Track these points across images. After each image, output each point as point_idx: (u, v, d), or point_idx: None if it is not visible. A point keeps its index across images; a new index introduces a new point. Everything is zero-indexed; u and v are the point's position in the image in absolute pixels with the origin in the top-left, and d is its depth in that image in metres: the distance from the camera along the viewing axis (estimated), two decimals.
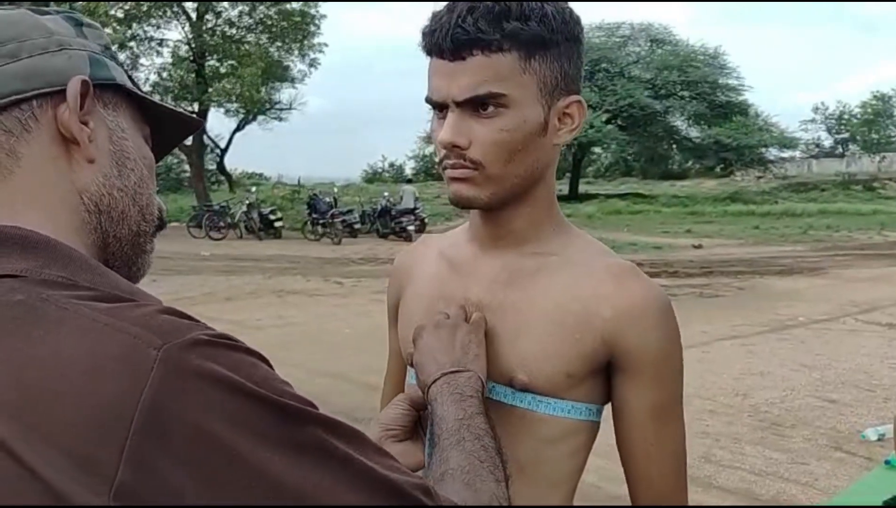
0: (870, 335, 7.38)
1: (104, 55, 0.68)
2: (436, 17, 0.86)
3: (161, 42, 24.77)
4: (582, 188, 33.43)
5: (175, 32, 30.17)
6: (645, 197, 30.21)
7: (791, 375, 5.90)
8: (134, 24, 23.27)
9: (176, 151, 27.53)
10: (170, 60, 24.92)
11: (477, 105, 0.85)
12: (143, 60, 24.80)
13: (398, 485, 0.56)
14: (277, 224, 18.26)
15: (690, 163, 40.26)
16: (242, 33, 24.58)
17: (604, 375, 0.91)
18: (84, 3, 19.07)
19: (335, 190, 20.43)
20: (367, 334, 6.55)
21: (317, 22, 24.95)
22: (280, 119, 30.38)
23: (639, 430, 0.90)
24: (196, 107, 23.09)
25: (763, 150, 34.22)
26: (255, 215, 18.17)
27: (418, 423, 0.92)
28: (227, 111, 26.59)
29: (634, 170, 44.21)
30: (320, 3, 24.81)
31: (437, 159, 0.92)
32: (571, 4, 0.89)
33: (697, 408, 4.88)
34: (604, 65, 32.10)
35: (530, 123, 0.86)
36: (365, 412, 3.96)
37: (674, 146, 37.49)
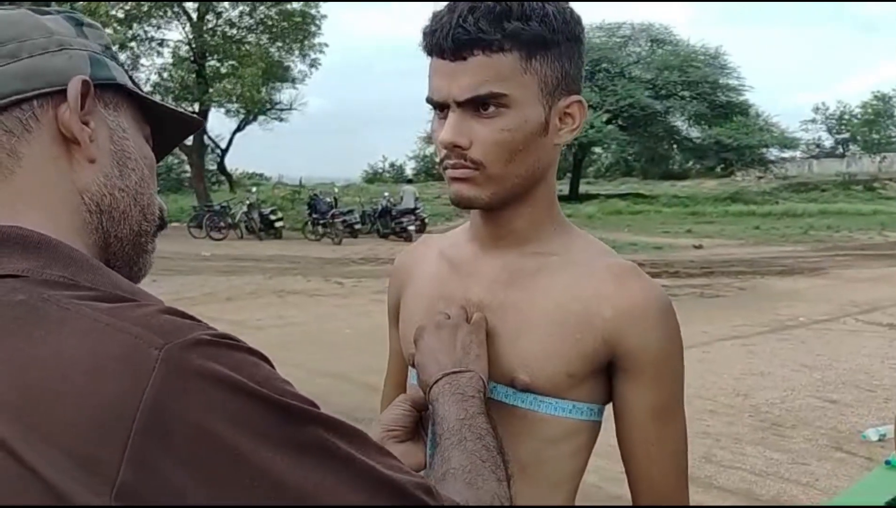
0: (870, 336, 7.38)
1: (105, 55, 0.68)
2: (436, 16, 0.86)
3: (162, 42, 24.80)
4: (582, 188, 33.43)
5: (176, 33, 30.24)
6: (645, 197, 30.20)
7: (792, 375, 5.90)
8: (134, 25, 23.28)
9: (176, 151, 27.52)
10: (170, 61, 24.94)
11: (478, 105, 0.85)
12: (143, 61, 24.85)
13: (400, 485, 0.56)
14: (278, 224, 18.26)
15: (691, 163, 40.26)
16: (243, 34, 24.59)
17: (605, 375, 0.91)
18: (85, 3, 19.06)
19: (335, 190, 20.45)
20: (367, 334, 6.55)
21: (317, 22, 24.97)
22: (280, 119, 30.40)
23: (640, 430, 0.90)
24: (197, 107, 23.08)
25: (764, 150, 34.22)
26: (255, 215, 18.17)
27: (420, 424, 0.92)
28: (227, 111, 26.60)
29: (635, 170, 44.20)
30: (321, 3, 24.84)
31: (437, 159, 0.92)
32: (572, 4, 0.89)
33: (698, 408, 4.88)
34: (604, 65, 32.09)
35: (531, 122, 0.86)
36: (365, 412, 3.96)
37: (674, 146, 37.48)
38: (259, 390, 0.52)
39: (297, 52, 25.47)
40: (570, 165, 32.69)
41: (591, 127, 28.56)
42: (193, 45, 24.08)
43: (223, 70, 24.59)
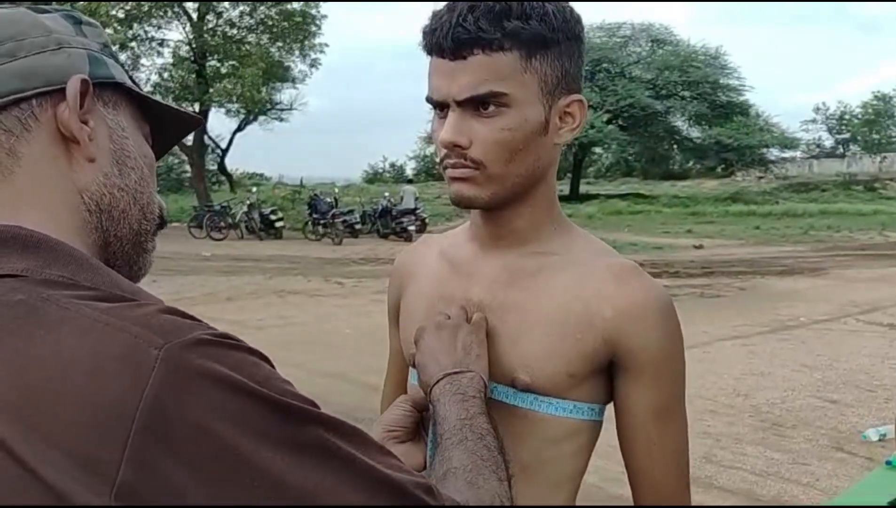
0: (871, 336, 7.38)
1: (103, 53, 0.68)
2: (436, 16, 0.85)
3: (162, 42, 24.81)
4: (583, 189, 33.43)
5: (176, 33, 30.23)
6: (646, 197, 30.19)
7: (792, 375, 5.90)
8: (135, 25, 23.28)
9: (177, 151, 27.54)
10: (171, 61, 24.94)
11: (478, 104, 0.84)
12: (143, 61, 24.86)
13: (400, 484, 0.56)
14: (278, 224, 18.27)
15: (691, 163, 40.25)
16: (243, 34, 24.59)
17: (606, 375, 0.91)
18: (85, 3, 19.06)
19: (336, 190, 20.46)
20: (367, 334, 6.55)
21: (318, 22, 24.98)
22: (281, 119, 30.40)
23: (641, 430, 0.89)
24: (197, 107, 23.09)
25: (764, 150, 34.21)
26: (255, 215, 18.18)
27: (420, 424, 0.92)
28: (227, 112, 26.60)
29: (635, 170, 44.19)
30: (321, 3, 24.84)
31: (438, 159, 0.91)
32: (572, 3, 0.89)
33: (698, 408, 4.88)
34: (605, 65, 32.09)
35: (531, 122, 0.86)
36: (365, 411, 3.96)
37: (675, 146, 37.47)
38: (259, 389, 0.51)
39: (297, 53, 25.49)
40: (570, 165, 32.68)
41: (592, 127, 28.55)
42: (194, 46, 24.09)
43: (223, 70, 24.60)
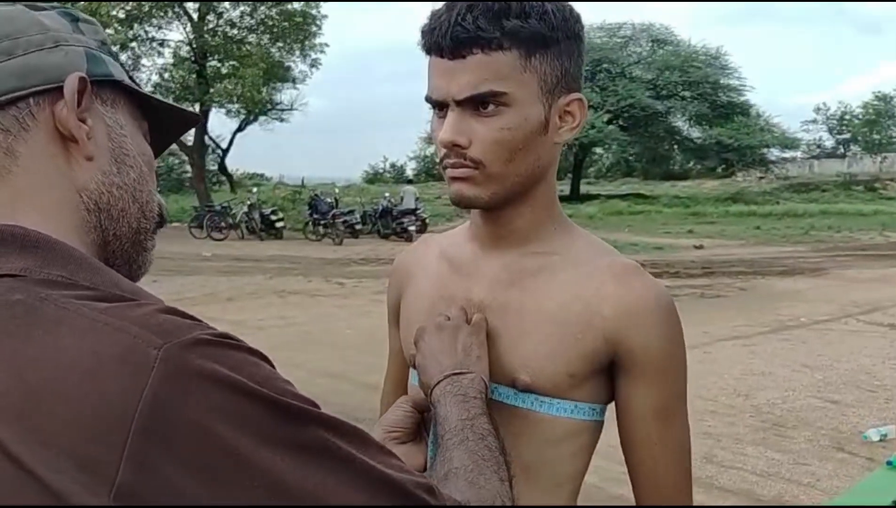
0: (871, 336, 7.37)
1: (101, 51, 0.67)
2: (435, 15, 0.85)
3: (162, 43, 24.81)
4: (583, 189, 33.42)
5: (176, 33, 30.29)
6: (646, 198, 30.18)
7: (792, 375, 5.89)
8: (135, 25, 23.28)
9: (177, 151, 27.56)
10: (171, 61, 24.94)
11: (477, 104, 0.84)
12: (144, 61, 24.86)
13: (401, 484, 0.56)
14: (279, 225, 18.27)
15: (692, 163, 40.25)
16: (244, 34, 24.59)
17: (607, 374, 0.91)
18: (86, 3, 19.07)
19: (336, 191, 20.46)
20: (368, 334, 6.55)
21: (318, 22, 24.97)
22: (281, 120, 30.40)
23: (643, 430, 0.89)
24: (197, 107, 23.07)
25: (764, 150, 34.18)
26: (256, 215, 18.18)
27: (421, 425, 0.92)
28: (228, 112, 26.60)
29: (636, 170, 44.19)
30: (321, 3, 24.84)
31: (437, 159, 0.91)
32: (571, 3, 0.88)
33: (699, 409, 4.87)
34: (605, 65, 32.07)
35: (531, 121, 0.86)
36: (365, 412, 3.96)
37: (675, 147, 37.46)
38: (259, 390, 0.51)
39: (297, 53, 25.47)
40: (570, 165, 32.67)
41: (592, 127, 28.54)
42: (194, 46, 24.09)
43: (224, 70, 24.60)
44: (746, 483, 3.87)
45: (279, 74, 25.40)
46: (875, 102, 45.27)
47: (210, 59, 24.74)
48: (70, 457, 0.47)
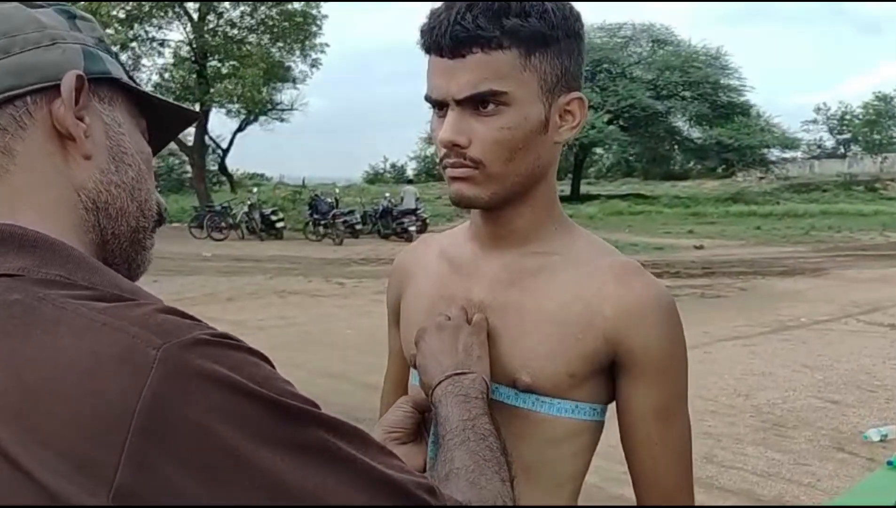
0: (872, 336, 7.37)
1: (98, 48, 0.67)
2: (434, 14, 0.84)
3: (163, 43, 24.81)
4: (583, 189, 33.41)
5: (177, 33, 30.30)
6: (646, 198, 30.18)
7: (793, 375, 5.89)
8: (136, 25, 23.28)
9: (177, 151, 27.56)
10: (171, 61, 24.95)
11: (477, 103, 0.84)
12: (144, 61, 24.86)
13: (402, 485, 0.55)
14: (279, 225, 18.27)
15: (692, 164, 40.24)
16: (244, 34, 24.59)
17: (607, 374, 0.91)
18: (86, 3, 19.07)
19: (336, 191, 20.46)
20: (368, 334, 6.55)
21: (318, 22, 24.97)
22: (281, 120, 30.40)
23: (643, 430, 0.89)
24: (198, 107, 23.05)
25: (765, 150, 34.17)
26: (256, 215, 18.18)
27: (422, 425, 0.92)
28: (228, 112, 26.60)
29: (636, 171, 44.18)
30: (322, 3, 24.84)
31: (437, 158, 0.91)
32: (571, 2, 0.88)
33: (699, 409, 4.87)
34: (606, 65, 32.07)
35: (531, 120, 0.85)
36: (366, 412, 3.96)
37: (675, 147, 37.46)
38: (259, 390, 0.51)
39: (298, 53, 25.47)
40: (571, 165, 32.67)
41: (593, 127, 28.54)
42: (194, 46, 24.09)
43: (224, 70, 24.60)
44: (747, 484, 3.87)
45: (279, 74, 25.40)
46: (875, 103, 45.27)
47: (210, 59, 24.75)
48: (68, 458, 0.47)
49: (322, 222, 17.49)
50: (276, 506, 0.50)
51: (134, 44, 23.72)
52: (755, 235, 19.25)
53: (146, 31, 24.12)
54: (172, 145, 26.22)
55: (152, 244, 0.70)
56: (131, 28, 23.08)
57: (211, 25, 24.36)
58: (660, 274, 10.87)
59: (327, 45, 26.08)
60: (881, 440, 4.40)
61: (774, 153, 35.85)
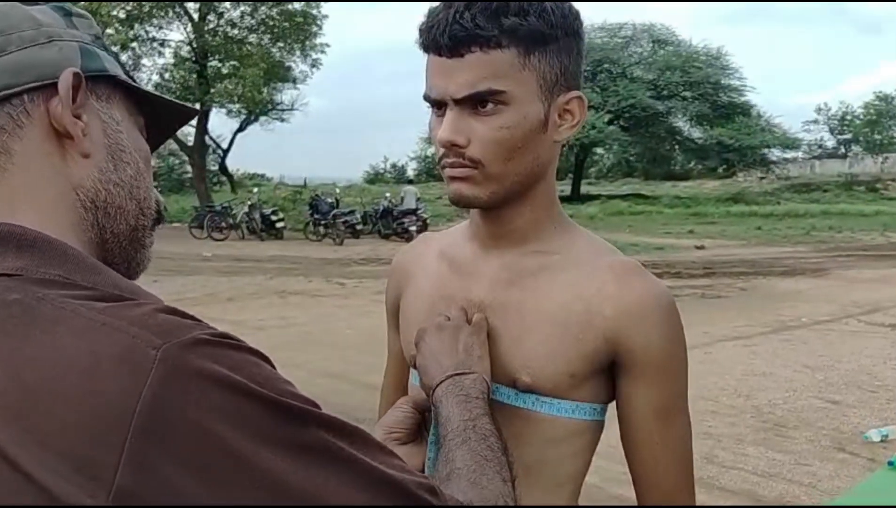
0: (872, 336, 7.36)
1: (95, 45, 0.67)
2: (433, 13, 0.84)
3: (163, 43, 24.84)
4: (584, 189, 33.42)
5: (177, 33, 30.31)
6: (647, 198, 30.19)
7: (794, 376, 5.89)
8: (136, 25, 23.29)
9: (178, 151, 27.56)
10: (172, 61, 24.98)
11: (476, 103, 0.83)
12: (144, 61, 24.91)
13: (403, 485, 0.55)
14: (279, 225, 18.27)
15: (693, 164, 40.25)
16: (244, 34, 24.61)
17: (607, 374, 0.91)
18: (86, 3, 19.07)
19: (337, 191, 20.47)
20: (368, 334, 6.55)
21: (318, 22, 24.99)
22: (282, 120, 30.45)
23: (644, 430, 0.89)
24: (198, 107, 23.03)
25: (766, 151, 34.18)
26: (256, 215, 18.18)
27: (422, 426, 0.92)
28: (228, 112, 26.64)
29: (636, 171, 44.19)
30: (322, 3, 24.84)
31: (436, 158, 0.91)
32: (571, 2, 0.88)
33: (700, 409, 4.87)
34: (606, 65, 32.08)
35: (530, 119, 0.85)
36: (366, 412, 3.95)
37: (676, 147, 37.47)
38: (259, 390, 0.51)
39: (298, 53, 25.49)
40: (571, 165, 32.68)
41: (593, 128, 28.56)
42: (195, 46, 24.10)
43: (224, 70, 24.62)
44: (748, 484, 3.86)
45: (280, 74, 25.42)
46: (876, 103, 45.30)
47: (211, 59, 24.76)
48: (68, 458, 0.47)
49: (322, 223, 17.50)
50: (276, 507, 0.50)
51: (134, 44, 23.73)
52: (756, 235, 19.24)
53: (146, 32, 24.14)
54: (173, 145, 26.24)
55: (152, 243, 0.70)
56: (131, 28, 23.08)
57: (211, 25, 24.37)
58: (660, 274, 10.85)
59: (328, 45, 26.14)
60: (882, 441, 4.40)
61: (775, 153, 35.89)
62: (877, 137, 44.86)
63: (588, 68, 29.46)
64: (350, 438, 0.55)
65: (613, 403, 0.93)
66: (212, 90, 23.56)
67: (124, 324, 0.51)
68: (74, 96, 0.61)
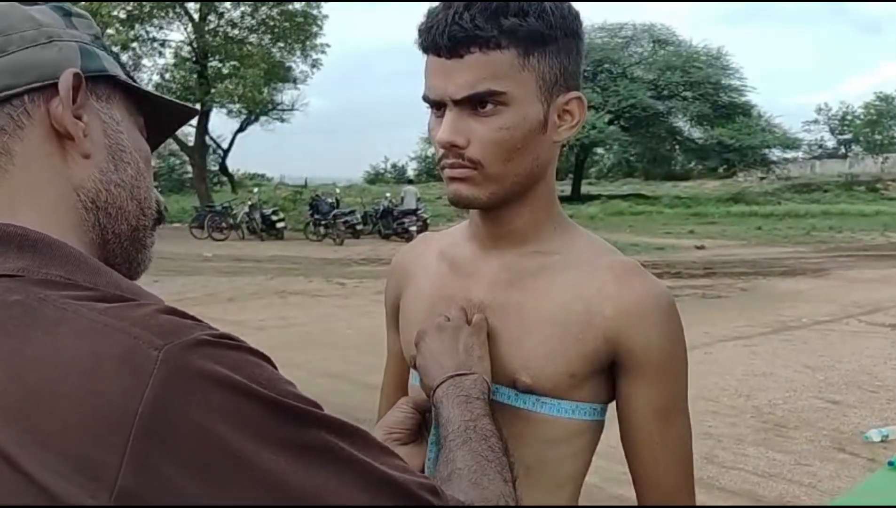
0: (873, 337, 7.36)
1: (95, 45, 0.66)
2: (432, 13, 0.84)
3: (163, 43, 24.85)
4: (584, 189, 33.42)
5: (177, 33, 30.30)
6: (647, 198, 30.18)
7: (794, 376, 5.89)
8: (136, 25, 23.29)
9: (178, 151, 27.55)
10: (172, 61, 24.99)
11: (475, 103, 0.83)
12: (145, 61, 24.93)
13: (404, 485, 0.55)
14: (279, 225, 18.27)
15: (693, 164, 40.25)
16: (245, 34, 24.62)
17: (607, 374, 0.91)
18: (87, 3, 19.07)
19: (337, 191, 20.47)
20: (368, 334, 6.54)
21: (319, 22, 24.99)
22: (282, 120, 30.46)
23: (644, 430, 0.89)
24: (198, 108, 23.04)
25: (766, 151, 34.19)
26: (257, 215, 18.18)
27: (422, 426, 0.92)
28: (229, 112, 26.65)
29: (637, 171, 44.18)
30: (322, 3, 24.85)
31: (435, 159, 0.91)
32: (571, 2, 0.88)
33: (700, 409, 4.87)
34: (606, 65, 32.09)
35: (530, 120, 0.85)
36: (366, 412, 3.95)
37: (676, 147, 37.47)
38: (261, 391, 0.51)
39: (298, 53, 25.50)
40: (571, 165, 32.68)
41: (594, 128, 28.56)
42: (195, 46, 24.11)
43: (225, 71, 24.62)
44: (748, 484, 3.86)
45: (280, 75, 25.43)
46: (876, 103, 45.30)
47: (211, 59, 24.77)
48: (69, 459, 0.47)
49: (323, 223, 17.50)
50: (278, 507, 0.50)
51: (135, 44, 23.74)
52: (756, 235, 19.24)
53: (147, 32, 24.15)
54: (173, 145, 26.25)
55: (152, 243, 0.70)
56: (132, 28, 23.08)
57: (212, 26, 24.38)
58: (661, 274, 10.86)
59: (328, 45, 26.13)
60: (882, 441, 4.39)
61: (776, 153, 35.90)
62: (877, 137, 44.86)
63: (588, 68, 29.49)
64: (351, 438, 0.55)
65: (613, 403, 0.93)
66: (212, 90, 23.57)
67: (126, 325, 0.51)
68: (75, 97, 0.61)
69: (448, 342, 0.88)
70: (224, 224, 18.11)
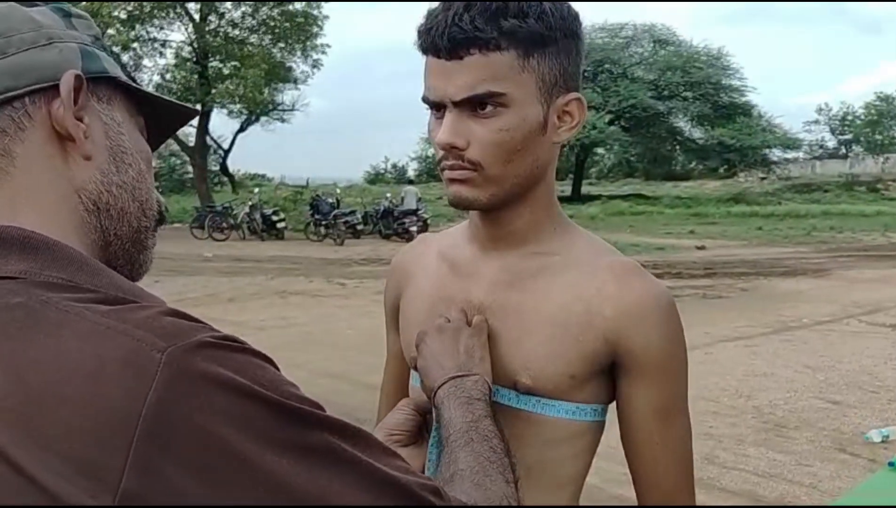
0: (874, 337, 7.36)
1: (95, 46, 0.66)
2: (431, 14, 0.84)
3: (164, 43, 24.85)
4: (585, 189, 33.42)
5: (178, 34, 30.25)
6: (648, 198, 30.18)
7: (795, 376, 5.88)
8: (137, 26, 23.29)
9: (179, 152, 27.55)
10: (173, 62, 25.00)
11: (475, 105, 0.83)
12: (146, 62, 24.93)
13: (407, 486, 0.55)
14: (280, 225, 18.27)
15: (693, 164, 40.25)
16: (245, 34, 24.62)
17: (607, 375, 0.91)
18: (87, 3, 19.08)
19: (338, 191, 20.47)
20: (369, 334, 6.54)
21: (319, 23, 24.99)
22: (283, 120, 30.46)
23: (644, 430, 0.89)
24: (199, 108, 23.08)
25: (766, 151, 34.19)
26: (257, 216, 18.18)
27: (423, 428, 0.92)
28: (230, 112, 26.64)
29: (637, 171, 44.17)
30: (323, 3, 24.85)
31: (435, 160, 0.91)
32: (570, 2, 0.88)
33: (700, 409, 4.86)
34: (607, 66, 32.09)
35: (529, 121, 0.85)
36: (366, 412, 3.94)
37: (677, 147, 37.48)
38: (264, 393, 0.51)
39: (299, 53, 25.50)
40: (572, 166, 32.68)
41: (594, 128, 28.56)
42: (196, 46, 24.11)
43: (225, 71, 24.63)
44: (748, 484, 3.86)
45: (281, 75, 25.42)
46: (877, 103, 45.30)
47: (212, 59, 24.77)
48: (72, 462, 0.47)
49: (323, 223, 17.50)
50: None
51: (135, 44, 23.74)
52: (757, 235, 19.23)
53: (147, 32, 24.15)
54: (174, 146, 26.26)
55: (154, 244, 0.70)
56: (132, 29, 23.08)
57: (212, 26, 24.38)
58: (661, 275, 10.86)
59: (328, 45, 26.13)
60: (882, 441, 4.39)
61: (776, 154, 35.92)
62: (878, 137, 44.85)
63: (589, 69, 29.50)
64: (354, 440, 0.55)
65: (613, 403, 0.93)
66: (213, 91, 23.56)
67: (128, 327, 0.51)
68: (76, 98, 0.61)
69: (448, 343, 0.88)
70: (225, 224, 18.11)
